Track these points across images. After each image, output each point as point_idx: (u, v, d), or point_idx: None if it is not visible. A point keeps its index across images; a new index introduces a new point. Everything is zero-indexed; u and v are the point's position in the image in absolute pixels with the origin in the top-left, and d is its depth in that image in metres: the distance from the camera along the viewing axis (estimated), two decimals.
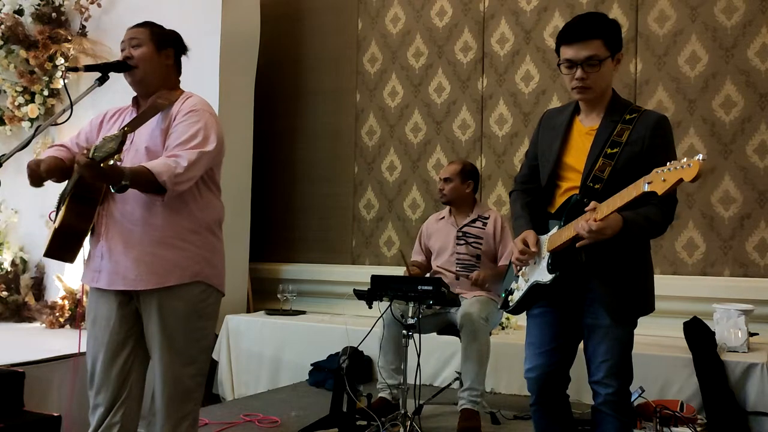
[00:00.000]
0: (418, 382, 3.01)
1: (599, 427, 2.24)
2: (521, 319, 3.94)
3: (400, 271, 3.83)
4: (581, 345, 2.32)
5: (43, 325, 5.19)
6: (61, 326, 5.12)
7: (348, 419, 3.28)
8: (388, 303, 3.24)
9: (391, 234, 5.45)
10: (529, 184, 2.43)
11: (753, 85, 4.32)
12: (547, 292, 2.23)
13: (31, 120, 5.51)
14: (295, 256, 5.75)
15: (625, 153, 2.15)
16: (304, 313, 5.21)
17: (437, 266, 3.79)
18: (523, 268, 2.31)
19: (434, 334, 3.72)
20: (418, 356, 3.00)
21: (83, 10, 5.54)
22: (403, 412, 3.08)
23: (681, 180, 1.80)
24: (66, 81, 2.69)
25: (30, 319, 5.39)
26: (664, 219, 2.13)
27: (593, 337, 2.22)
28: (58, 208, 2.31)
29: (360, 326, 4.05)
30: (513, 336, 4.31)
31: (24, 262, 5.60)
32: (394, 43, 5.51)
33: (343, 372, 3.30)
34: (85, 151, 1.95)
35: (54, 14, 5.53)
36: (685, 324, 3.80)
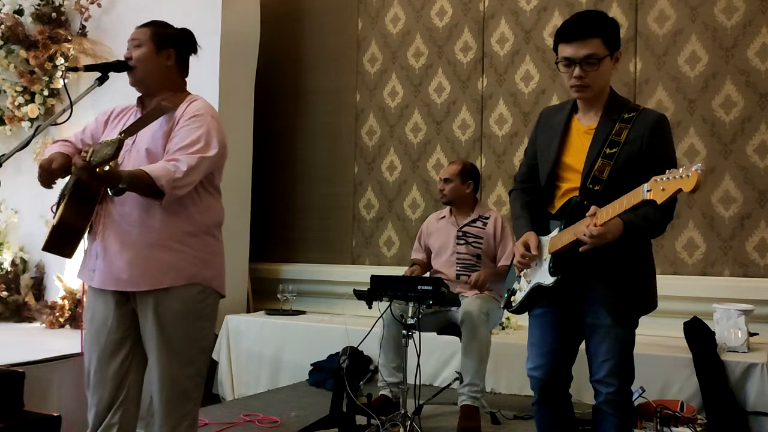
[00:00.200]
0: (418, 382, 3.01)
1: (600, 426, 2.25)
2: (521, 319, 3.95)
3: (400, 271, 3.84)
4: (582, 345, 2.32)
5: (43, 325, 5.20)
6: (61, 326, 5.12)
7: (348, 419, 3.28)
8: (388, 303, 3.24)
9: (391, 234, 5.45)
10: (528, 183, 2.43)
11: (753, 85, 4.32)
12: (549, 294, 2.23)
13: (31, 120, 5.51)
14: (295, 256, 5.75)
15: (624, 152, 2.15)
16: (304, 313, 5.21)
17: (437, 268, 3.79)
18: (525, 269, 2.31)
19: (434, 333, 3.72)
20: (418, 356, 3.00)
21: (83, 10, 5.54)
22: (403, 411, 3.09)
23: (680, 190, 1.81)
24: (66, 81, 2.69)
25: (30, 319, 5.39)
26: (663, 219, 2.13)
27: (595, 337, 2.22)
28: (58, 204, 2.31)
29: (360, 326, 4.04)
30: (513, 336, 4.30)
31: (24, 262, 5.60)
32: (394, 43, 5.51)
33: (343, 372, 3.30)
34: (84, 153, 1.95)
35: (54, 14, 5.53)
36: (685, 324, 3.80)
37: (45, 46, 5.39)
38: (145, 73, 2.30)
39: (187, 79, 2.44)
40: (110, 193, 2.06)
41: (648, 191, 1.87)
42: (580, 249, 2.07)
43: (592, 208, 2.05)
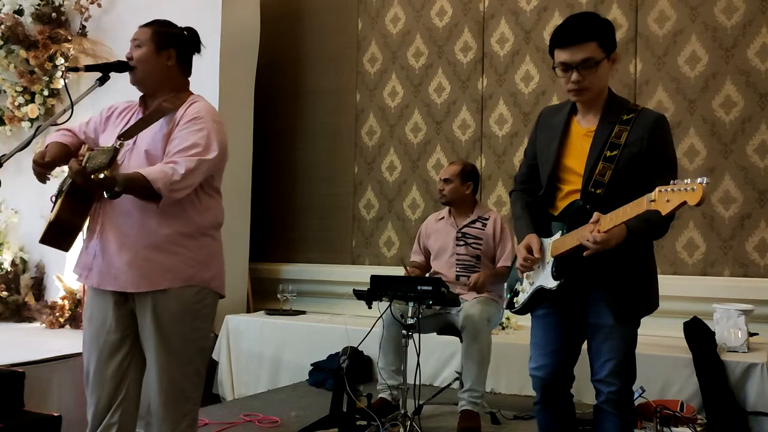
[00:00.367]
0: (418, 382, 3.01)
1: (601, 426, 2.25)
2: (521, 320, 3.95)
3: (400, 271, 3.83)
4: (584, 345, 2.32)
5: (43, 325, 5.19)
6: (61, 326, 5.12)
7: (348, 419, 3.28)
8: (388, 303, 3.24)
9: (391, 234, 5.45)
10: (528, 184, 2.43)
11: (753, 85, 4.32)
12: (551, 296, 2.23)
13: (31, 120, 5.51)
14: (295, 256, 5.75)
15: (625, 155, 2.15)
16: (304, 313, 5.21)
17: (436, 269, 3.79)
18: (527, 272, 2.31)
19: (434, 334, 3.72)
20: (418, 356, 3.00)
21: (83, 10, 5.54)
22: (403, 412, 3.08)
23: (684, 203, 1.81)
24: (66, 81, 2.67)
25: (30, 319, 5.39)
26: (665, 220, 2.12)
27: (597, 337, 2.23)
28: (56, 198, 2.30)
29: (360, 326, 4.04)
30: (513, 336, 4.30)
31: (24, 262, 5.60)
32: (394, 43, 5.51)
33: (343, 372, 3.30)
34: (80, 157, 1.94)
35: (54, 14, 5.52)
36: (685, 324, 3.80)
37: (45, 46, 5.39)
38: (146, 73, 2.30)
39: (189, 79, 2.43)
40: (106, 196, 2.06)
41: (652, 201, 1.88)
42: (584, 254, 2.07)
43: (595, 214, 2.05)
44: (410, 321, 3.04)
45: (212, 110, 2.32)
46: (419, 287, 3.07)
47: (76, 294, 5.13)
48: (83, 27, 5.58)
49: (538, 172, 2.36)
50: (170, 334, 2.22)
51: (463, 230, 3.76)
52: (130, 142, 2.24)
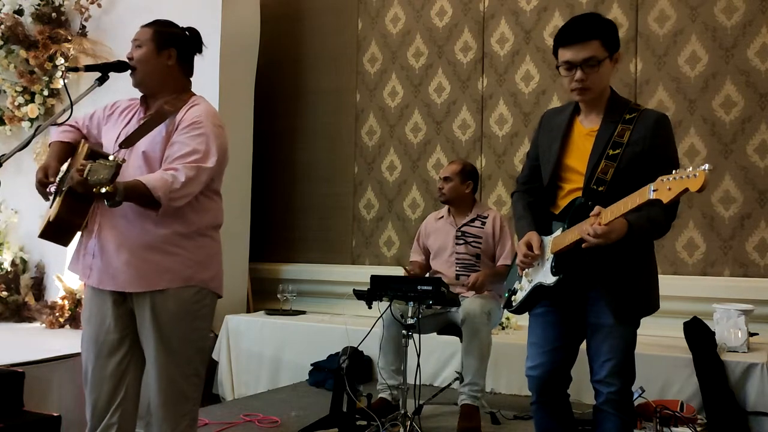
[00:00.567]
0: (418, 382, 3.01)
1: (600, 426, 2.24)
2: (521, 319, 3.95)
3: (399, 271, 3.83)
4: (583, 345, 2.32)
5: (43, 325, 5.19)
6: (61, 326, 5.12)
7: (348, 419, 3.28)
8: (388, 303, 3.24)
9: (391, 234, 5.45)
10: (530, 185, 2.43)
11: (753, 85, 4.32)
12: (550, 293, 2.23)
13: (31, 120, 5.51)
14: (295, 256, 5.75)
15: (627, 154, 2.15)
16: (304, 313, 5.21)
17: (436, 268, 3.79)
18: (527, 269, 2.31)
19: (434, 334, 3.72)
20: (418, 356, 3.00)
21: (83, 10, 5.54)
22: (403, 412, 3.08)
23: (686, 190, 1.81)
24: (66, 81, 2.67)
25: (30, 319, 5.39)
26: (666, 219, 2.13)
27: (596, 336, 2.22)
28: (58, 190, 2.30)
29: (360, 326, 4.04)
30: (513, 336, 4.30)
31: (24, 262, 5.60)
32: (394, 43, 5.51)
33: (343, 372, 3.30)
34: (81, 167, 1.94)
35: (54, 14, 5.53)
36: (685, 324, 3.80)
37: (45, 46, 5.39)
38: (146, 73, 2.29)
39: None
40: (107, 205, 2.06)
41: (654, 191, 1.87)
42: (583, 245, 2.07)
43: (597, 208, 2.05)
44: (410, 321, 3.04)
45: (213, 113, 2.31)
46: (419, 287, 3.07)
47: (76, 294, 5.12)
48: (83, 27, 5.58)
49: (540, 174, 2.37)
50: (169, 334, 2.22)
51: (462, 229, 3.76)
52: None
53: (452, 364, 4.17)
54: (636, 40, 4.62)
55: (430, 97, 5.33)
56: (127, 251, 2.20)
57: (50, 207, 2.31)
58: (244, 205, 5.48)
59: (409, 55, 5.43)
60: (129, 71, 2.31)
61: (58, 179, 2.30)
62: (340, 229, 5.66)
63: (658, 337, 3.91)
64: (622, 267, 2.17)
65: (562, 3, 4.86)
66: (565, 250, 2.17)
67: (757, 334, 3.80)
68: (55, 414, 3.45)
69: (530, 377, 2.32)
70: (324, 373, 4.38)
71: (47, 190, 2.28)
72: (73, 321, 5.09)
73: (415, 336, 3.04)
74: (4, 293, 5.40)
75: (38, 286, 5.55)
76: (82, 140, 2.41)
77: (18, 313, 5.43)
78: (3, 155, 2.15)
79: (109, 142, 2.33)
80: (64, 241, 2.32)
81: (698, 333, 3.71)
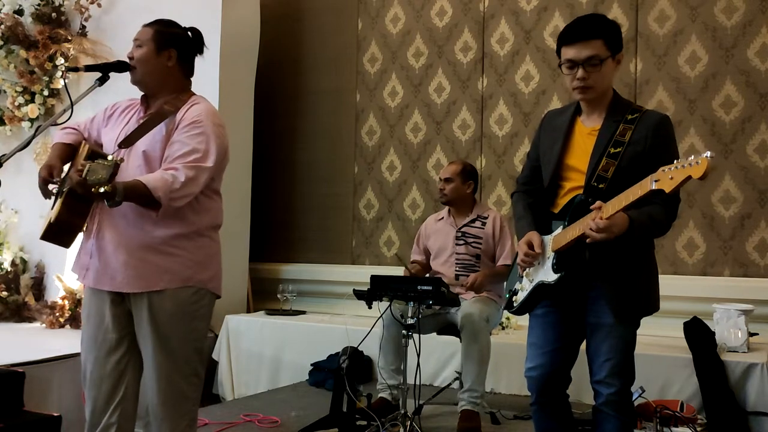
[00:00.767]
0: (418, 382, 3.01)
1: (600, 427, 2.24)
2: (521, 319, 3.95)
3: (400, 271, 3.83)
4: (583, 345, 2.32)
5: (43, 325, 5.19)
6: (61, 326, 5.11)
7: (348, 419, 3.28)
8: (388, 303, 3.24)
9: (391, 234, 5.45)
10: (530, 185, 2.43)
11: (753, 85, 4.32)
12: (551, 292, 2.23)
13: (31, 120, 5.51)
14: (295, 256, 5.75)
15: (629, 152, 2.16)
16: (304, 313, 5.21)
17: (436, 269, 3.79)
18: (528, 269, 2.31)
19: (434, 334, 3.72)
20: (418, 356, 3.00)
21: (83, 10, 5.54)
22: (403, 412, 3.09)
23: (689, 177, 1.80)
24: (66, 81, 2.67)
25: (30, 319, 5.39)
26: (667, 217, 2.13)
27: (596, 336, 2.22)
28: (57, 195, 2.30)
29: (360, 326, 4.04)
30: (513, 336, 4.31)
31: (24, 262, 5.60)
32: (394, 43, 5.51)
33: (343, 372, 3.30)
34: (80, 167, 1.94)
35: (54, 14, 5.53)
36: (685, 324, 3.80)
37: (45, 46, 5.39)
38: (145, 73, 2.29)
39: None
40: (106, 205, 2.06)
41: (656, 181, 1.87)
42: (587, 241, 2.07)
43: (598, 202, 2.05)
44: (410, 321, 3.04)
45: (213, 112, 2.30)
46: (419, 287, 3.07)
47: (76, 294, 5.12)
48: (83, 27, 5.58)
49: (540, 174, 2.37)
50: (167, 335, 2.22)
51: (462, 229, 3.76)
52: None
53: (452, 364, 4.17)
54: (636, 40, 4.62)
55: (430, 97, 5.33)
56: (125, 251, 2.20)
57: (51, 209, 2.32)
58: (244, 205, 5.48)
59: (409, 55, 5.44)
60: (127, 71, 2.31)
61: (59, 181, 2.31)
62: (340, 229, 5.66)
63: (658, 337, 3.91)
64: (623, 266, 2.16)
65: (562, 3, 4.86)
66: (566, 247, 2.17)
67: (757, 334, 3.80)
68: (55, 414, 3.45)
69: (530, 378, 2.32)
70: (324, 373, 4.38)
71: (49, 188, 2.28)
72: (73, 321, 5.09)
73: (415, 336, 3.04)
74: (4, 293, 5.40)
75: (38, 286, 5.55)
76: (83, 142, 2.41)
77: (18, 313, 5.42)
78: (3, 155, 2.15)
79: (109, 143, 2.33)
80: (66, 243, 2.32)
81: (698, 333, 3.71)
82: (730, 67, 4.38)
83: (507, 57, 5.06)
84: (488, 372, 3.48)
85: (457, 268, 3.70)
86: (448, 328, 3.63)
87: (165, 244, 2.21)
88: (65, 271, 5.19)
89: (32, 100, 5.53)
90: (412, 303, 3.06)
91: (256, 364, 4.83)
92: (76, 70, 2.34)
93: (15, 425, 3.32)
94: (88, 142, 2.41)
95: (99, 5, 5.48)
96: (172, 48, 2.32)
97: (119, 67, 2.30)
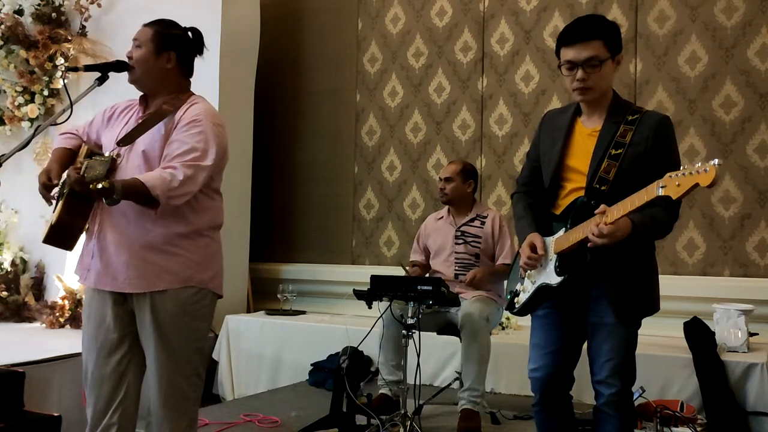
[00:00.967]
0: (418, 382, 3.01)
1: (601, 427, 2.24)
2: (521, 320, 3.95)
3: (399, 271, 3.83)
4: (584, 346, 2.32)
5: (43, 325, 5.19)
6: (61, 326, 5.12)
7: (348, 419, 3.28)
8: (388, 303, 3.24)
9: (391, 234, 5.45)
10: (530, 186, 2.43)
11: (753, 85, 4.32)
12: (554, 294, 2.23)
13: (31, 120, 5.51)
14: (295, 256, 5.75)
15: (630, 154, 2.15)
16: (304, 313, 5.21)
17: (435, 268, 3.79)
18: (530, 270, 2.31)
19: (434, 334, 3.72)
20: (418, 356, 3.00)
21: (83, 10, 5.54)
22: (403, 412, 3.09)
23: (697, 185, 1.79)
24: (66, 81, 2.68)
25: (30, 319, 5.39)
26: (669, 219, 2.13)
27: (597, 336, 2.22)
28: (59, 197, 2.30)
29: (360, 326, 4.05)
30: (513, 336, 4.30)
31: (24, 262, 5.60)
32: (394, 43, 5.51)
33: (343, 372, 3.30)
34: (78, 164, 1.94)
35: (54, 14, 5.53)
36: (685, 324, 3.80)
37: (45, 46, 5.39)
38: (143, 74, 2.29)
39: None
40: (105, 203, 2.06)
41: (662, 187, 1.86)
42: (589, 245, 2.06)
43: (602, 206, 2.04)
44: (410, 321, 3.04)
45: (212, 112, 2.30)
46: (419, 287, 3.07)
47: (76, 294, 5.13)
48: (83, 27, 5.58)
49: (540, 175, 2.37)
50: (169, 335, 2.22)
51: (462, 229, 3.76)
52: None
53: (452, 364, 4.17)
54: (636, 40, 4.62)
55: (430, 97, 5.34)
56: (127, 251, 2.20)
57: (53, 212, 2.32)
58: (244, 205, 5.48)
59: (409, 55, 5.44)
60: (123, 71, 2.31)
61: (60, 184, 2.31)
62: (340, 229, 5.66)
63: (658, 337, 3.91)
64: (624, 266, 2.16)
65: (562, 3, 4.86)
66: (568, 250, 2.16)
67: (757, 334, 3.80)
68: (56, 414, 3.45)
69: (533, 379, 2.32)
70: (324, 373, 4.38)
71: (50, 194, 2.29)
72: (73, 321, 5.09)
73: (415, 336, 3.04)
74: (4, 293, 5.40)
75: (38, 286, 5.55)
76: (83, 145, 2.41)
77: (18, 313, 5.42)
78: (3, 155, 2.15)
79: (109, 142, 2.33)
80: (68, 246, 2.32)
81: (698, 333, 3.71)
82: (730, 67, 4.38)
83: (507, 57, 5.06)
84: (488, 372, 3.48)
85: (457, 268, 3.70)
86: (448, 328, 3.63)
87: (166, 243, 2.21)
88: (65, 271, 5.19)
89: (32, 100, 5.53)
90: (412, 303, 3.06)
91: (256, 364, 4.83)
92: (75, 70, 2.34)
93: (15, 425, 3.32)
94: (88, 145, 2.41)
95: (99, 5, 5.48)
96: (171, 50, 2.31)
97: (118, 66, 2.29)
